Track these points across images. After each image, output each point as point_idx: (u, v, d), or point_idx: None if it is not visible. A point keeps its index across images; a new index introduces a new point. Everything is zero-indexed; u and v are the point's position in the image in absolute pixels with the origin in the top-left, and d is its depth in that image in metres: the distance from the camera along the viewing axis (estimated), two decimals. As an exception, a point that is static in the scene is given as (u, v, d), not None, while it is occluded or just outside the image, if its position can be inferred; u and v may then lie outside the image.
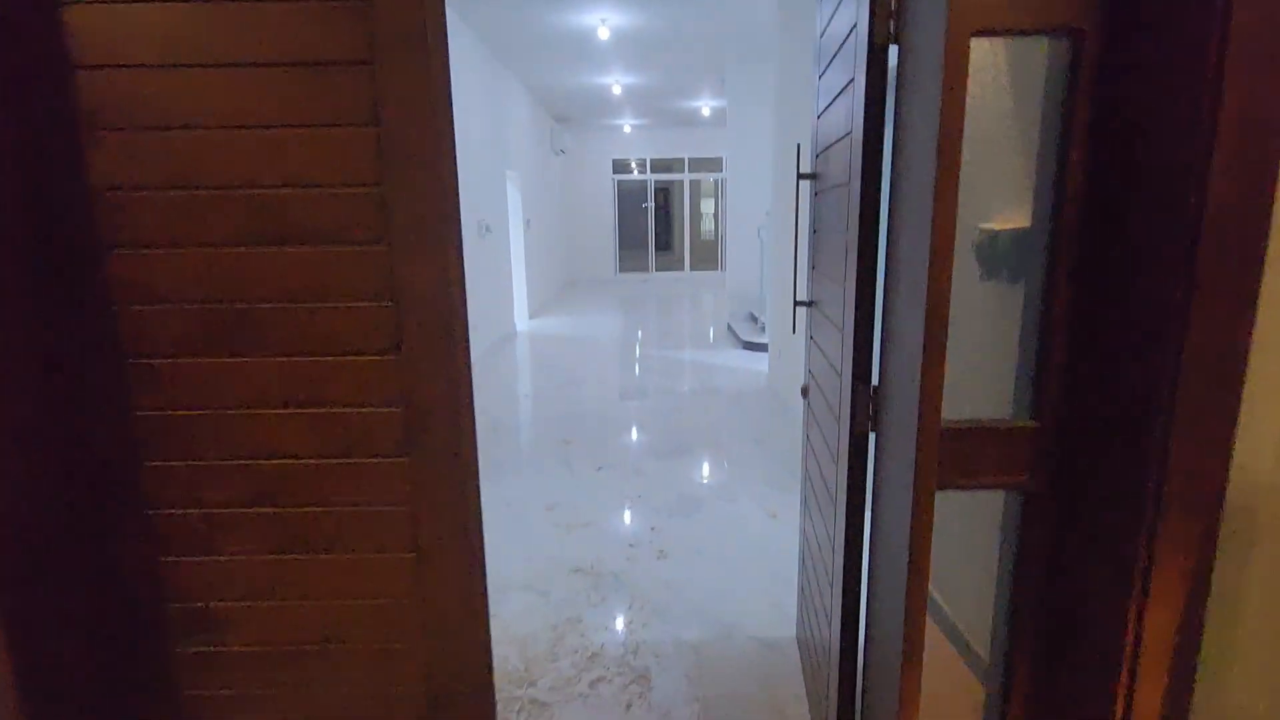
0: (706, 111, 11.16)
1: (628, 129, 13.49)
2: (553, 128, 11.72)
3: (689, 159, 13.97)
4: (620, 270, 14.62)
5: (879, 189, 1.30)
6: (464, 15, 5.98)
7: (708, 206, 17.05)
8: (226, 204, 1.20)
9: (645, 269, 14.67)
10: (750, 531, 3.05)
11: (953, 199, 1.03)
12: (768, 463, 3.85)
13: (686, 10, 5.94)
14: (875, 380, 1.37)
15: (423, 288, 1.24)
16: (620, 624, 2.36)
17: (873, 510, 1.39)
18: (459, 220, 1.31)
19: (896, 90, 1.22)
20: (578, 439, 4.30)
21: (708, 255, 15.47)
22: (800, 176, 1.93)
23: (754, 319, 7.81)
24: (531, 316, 9.27)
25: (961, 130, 1.01)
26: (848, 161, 1.41)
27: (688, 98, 10.18)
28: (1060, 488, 1.21)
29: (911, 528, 1.16)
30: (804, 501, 2.14)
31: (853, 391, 1.37)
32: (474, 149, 6.54)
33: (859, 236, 1.33)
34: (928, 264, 1.06)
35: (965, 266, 1.26)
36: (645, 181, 14.25)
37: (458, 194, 1.30)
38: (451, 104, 1.27)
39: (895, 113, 1.23)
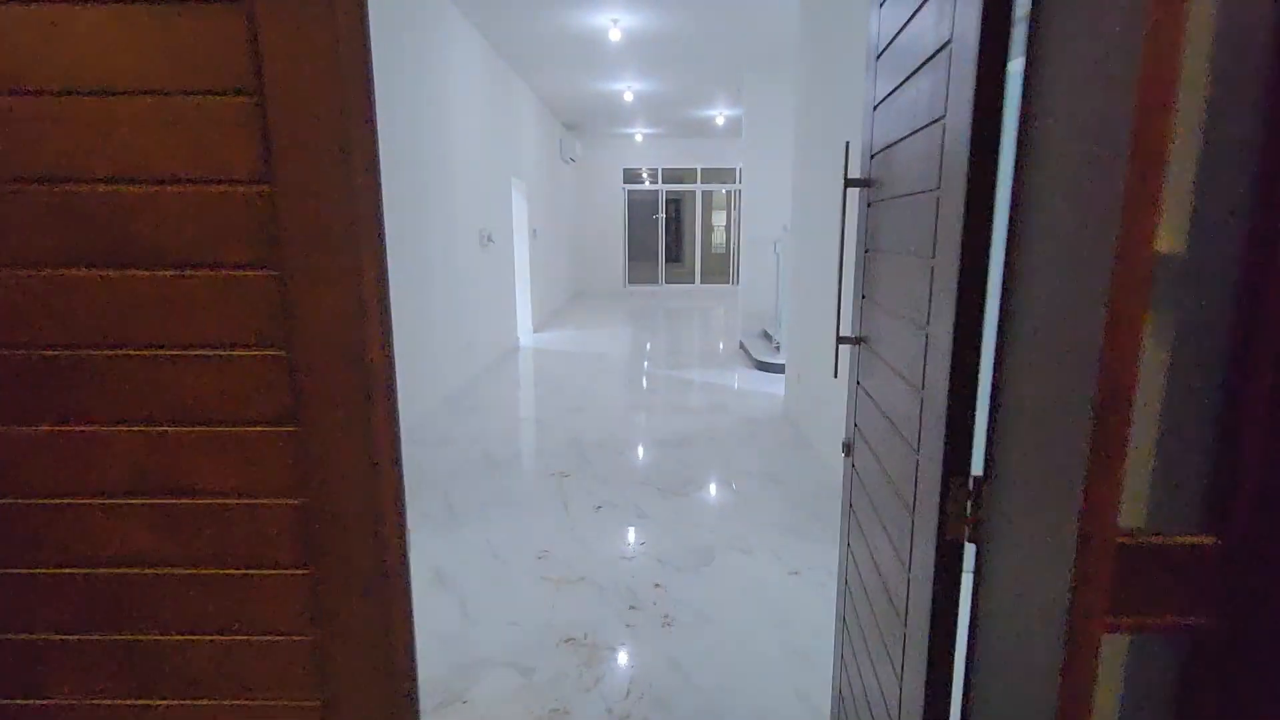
0: (721, 120, 10.82)
1: (639, 138, 13.17)
2: (562, 135, 11.41)
3: (701, 169, 13.63)
4: (630, 282, 14.26)
5: (991, 198, 0.91)
6: (467, 13, 5.65)
7: (719, 219, 16.70)
8: (39, 206, 0.82)
9: (655, 281, 14.30)
10: (769, 593, 2.64)
11: (1151, 218, 0.64)
12: (786, 507, 3.44)
13: (702, 11, 5.59)
14: (978, 468, 0.97)
15: (329, 329, 0.86)
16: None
17: (971, 652, 0.98)
18: (382, 232, 0.93)
19: (1029, 55, 0.83)
20: (577, 472, 3.90)
21: (719, 268, 15.09)
22: (849, 183, 1.54)
23: (768, 337, 7.41)
24: (536, 330, 8.90)
25: (1173, 106, 0.62)
26: (937, 159, 1.02)
27: (702, 106, 9.84)
28: (1247, 630, 0.80)
29: (1062, 693, 0.76)
30: (843, 616, 1.72)
31: (944, 485, 0.97)
32: (477, 155, 6.21)
33: (957, 264, 0.94)
34: (1104, 315, 0.66)
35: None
36: (657, 192, 13.91)
37: (379, 194, 0.92)
38: (370, 64, 0.89)
39: (1025, 89, 0.84)
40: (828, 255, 3.88)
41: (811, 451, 4.20)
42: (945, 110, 0.99)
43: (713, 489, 3.67)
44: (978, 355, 0.97)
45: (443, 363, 5.34)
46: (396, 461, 0.98)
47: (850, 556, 1.67)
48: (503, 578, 2.77)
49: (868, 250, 1.58)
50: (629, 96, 8.77)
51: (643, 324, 9.89)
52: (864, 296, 1.61)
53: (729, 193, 14.48)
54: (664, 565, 2.84)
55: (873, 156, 1.52)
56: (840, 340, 1.69)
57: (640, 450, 4.29)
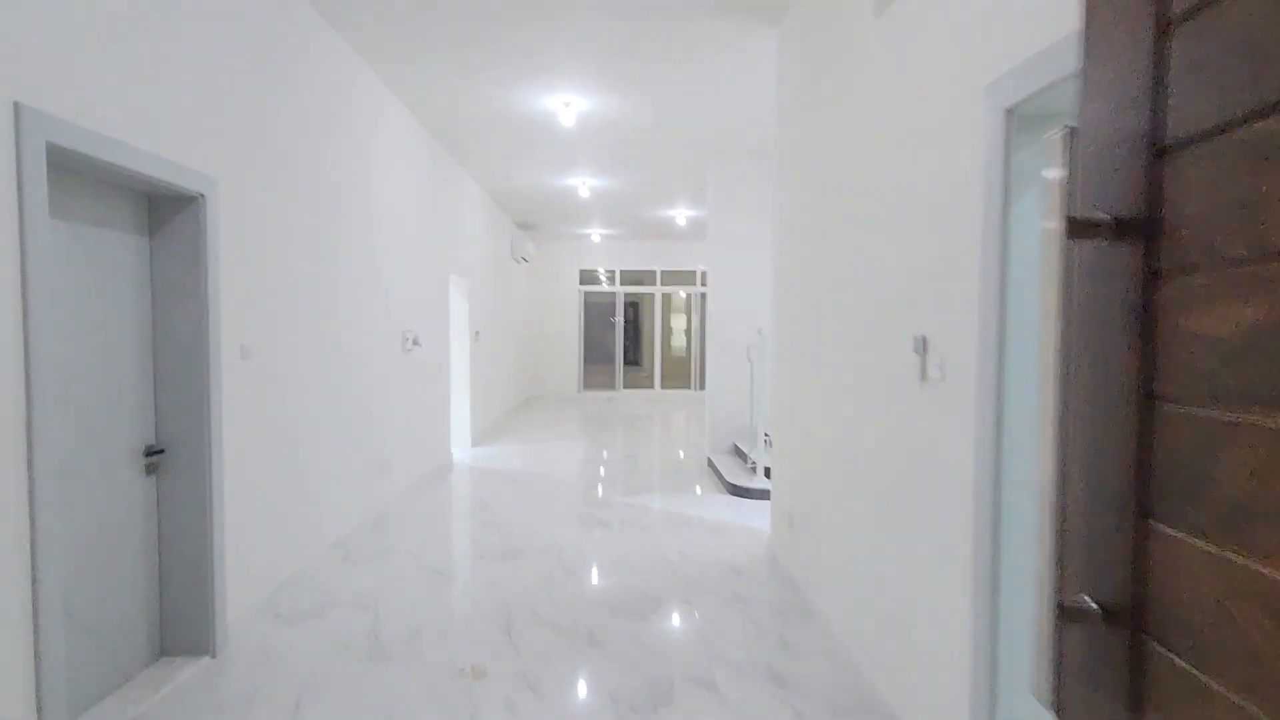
0: (682, 221, 10.39)
1: (597, 238, 12.70)
2: (514, 234, 10.80)
3: (661, 271, 13.16)
4: (585, 387, 13.35)
5: None
6: (394, 87, 4.97)
7: (679, 322, 16.19)
8: None
9: (612, 386, 13.43)
10: None
11: None
12: (798, 728, 2.38)
13: (661, 96, 5.03)
14: None
15: None
16: None
17: None
18: None
19: None
20: (498, 666, 2.78)
21: (679, 372, 14.37)
22: (1076, 230, 0.67)
23: (741, 455, 6.48)
24: (475, 444, 7.81)
25: None
26: None
27: (662, 206, 9.38)
28: None
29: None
30: None
31: None
32: (406, 247, 5.36)
33: None
34: None
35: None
36: (614, 293, 13.32)
37: None
38: None
39: None
40: (836, 361, 3.03)
41: (817, 624, 3.17)
42: None
43: (691, 700, 2.58)
44: None
45: (341, 494, 4.21)
46: None
47: None
48: None
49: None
50: (585, 192, 8.22)
51: (598, 435, 8.88)
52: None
53: (689, 296, 14.00)
54: None
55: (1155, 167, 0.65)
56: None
57: (588, 625, 3.19)
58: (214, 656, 2.83)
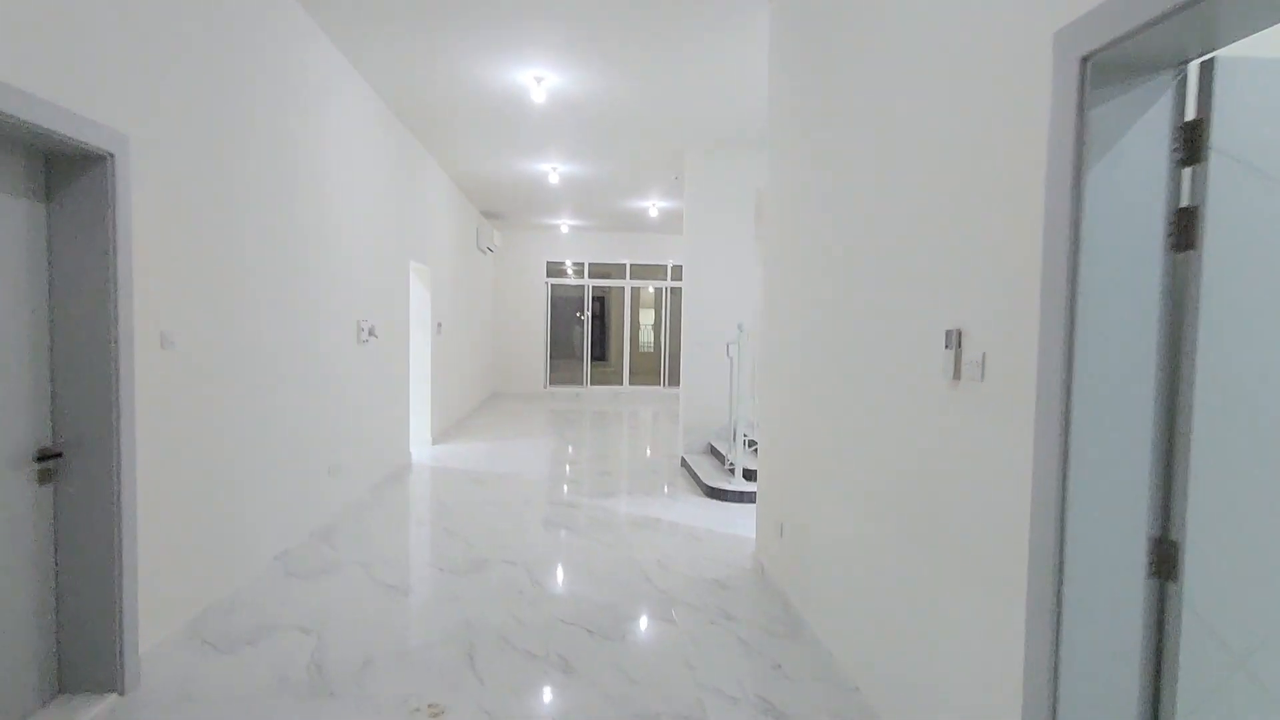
0: (654, 213, 10.08)
1: (565, 229, 12.31)
2: (480, 224, 10.35)
3: (630, 264, 12.83)
4: (552, 383, 12.96)
5: None
6: (353, 59, 4.54)
7: (647, 317, 15.90)
8: None
9: (579, 382, 13.07)
10: None
11: None
12: (805, 773, 2.10)
13: (639, 71, 4.71)
14: None
15: None
16: None
17: None
18: None
19: None
20: (458, 704, 2.43)
21: (648, 368, 14.08)
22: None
23: (718, 455, 6.21)
24: (436, 441, 7.38)
25: None
26: None
27: (634, 196, 9.06)
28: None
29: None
30: None
31: None
32: (362, 231, 4.93)
33: None
34: None
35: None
36: (582, 286, 12.95)
37: None
38: None
39: None
40: (843, 358, 2.76)
41: (811, 645, 2.90)
42: None
43: (679, 735, 2.27)
44: None
45: (284, 501, 3.79)
46: None
47: None
48: None
49: None
50: (555, 179, 7.84)
51: (566, 432, 8.53)
52: None
53: (658, 290, 13.71)
54: None
55: None
56: None
57: (561, 649, 2.86)
58: (123, 694, 2.42)
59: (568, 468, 6.54)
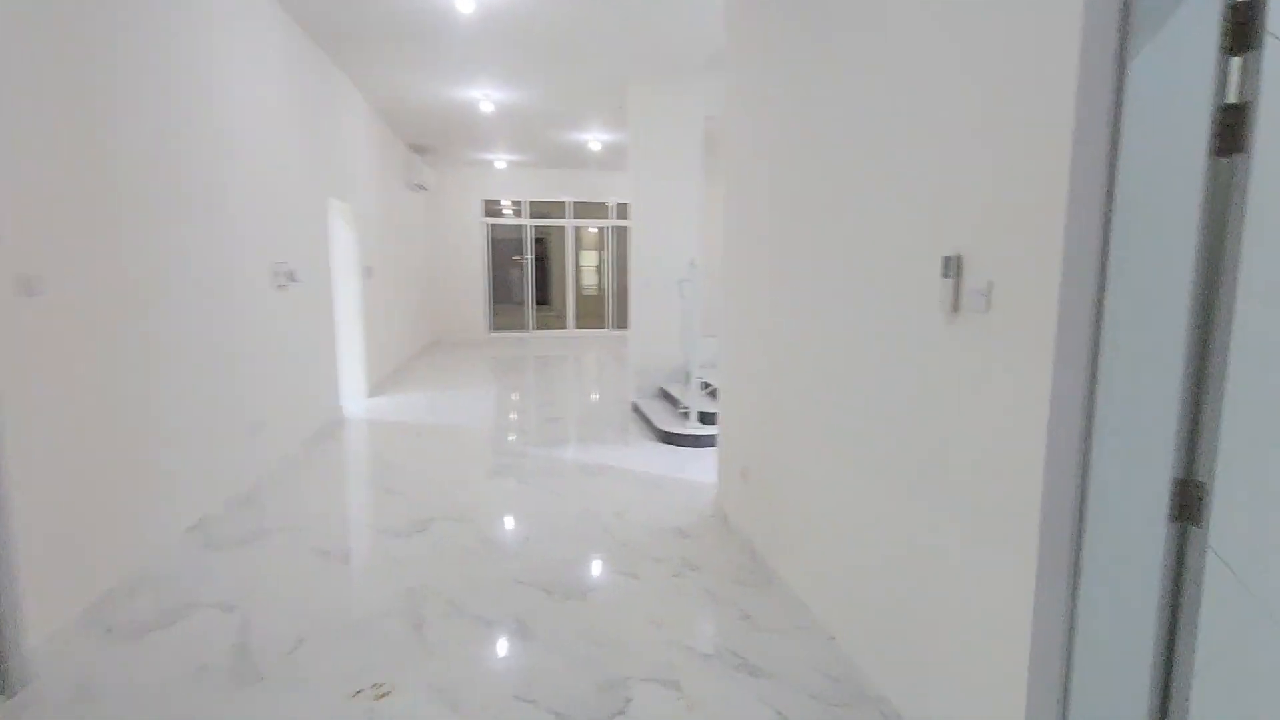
0: (596, 146, 9.58)
1: (502, 165, 11.65)
2: (409, 159, 9.62)
3: (572, 203, 12.32)
4: (494, 329, 12.51)
5: None
6: (247, -48, 3.90)
7: (591, 258, 15.45)
8: None
9: (522, 327, 12.66)
10: None
11: None
12: (785, 733, 1.99)
13: (587, -21, 4.25)
14: None
15: None
16: None
17: None
18: None
19: None
20: (405, 681, 2.21)
21: (593, 311, 13.76)
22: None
23: (670, 399, 6.04)
24: (372, 393, 6.96)
25: None
26: None
27: (574, 128, 8.54)
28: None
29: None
30: None
31: None
32: (273, 163, 4.38)
33: None
34: None
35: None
36: (522, 227, 12.38)
37: None
38: None
39: None
40: (817, 289, 2.55)
41: (780, 592, 2.79)
42: None
43: (653, 706, 2.12)
44: None
45: (199, 464, 3.40)
46: None
47: None
48: None
49: None
50: (488, 107, 7.26)
51: (510, 379, 8.21)
52: None
53: (601, 230, 13.27)
54: None
55: None
56: None
57: (518, 611, 2.66)
58: (9, 696, 2.10)
59: (515, 416, 6.27)
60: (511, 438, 5.42)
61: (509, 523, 3.61)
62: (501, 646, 2.42)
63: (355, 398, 6.67)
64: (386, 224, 8.14)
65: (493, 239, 12.39)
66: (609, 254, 13.33)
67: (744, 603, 2.74)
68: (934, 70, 1.76)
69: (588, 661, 2.32)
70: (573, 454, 4.93)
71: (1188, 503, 1.36)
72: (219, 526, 3.46)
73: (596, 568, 3.06)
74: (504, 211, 12.41)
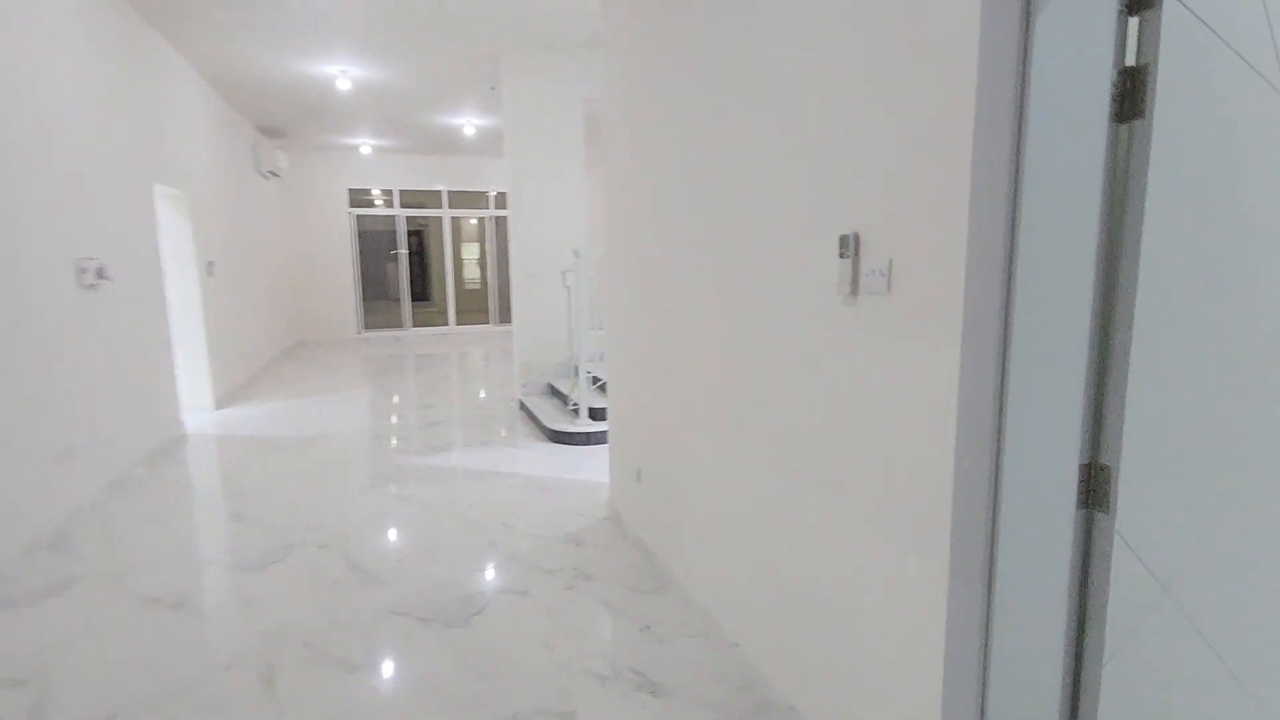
0: (470, 131, 9.08)
1: (367, 150, 10.83)
2: (257, 142, 8.69)
3: (449, 192, 11.68)
4: (366, 327, 11.66)
5: None
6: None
7: (472, 250, 14.79)
8: None
9: (398, 325, 11.90)
10: None
11: None
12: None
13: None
14: None
15: None
16: None
17: None
18: None
19: None
20: (250, 751, 1.85)
21: (476, 306, 13.17)
22: None
23: (559, 395, 5.79)
24: (220, 405, 6.19)
25: None
26: None
27: (447, 111, 8.02)
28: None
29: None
30: None
31: None
32: (74, 143, 3.68)
33: None
34: None
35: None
36: (394, 218, 11.60)
37: None
38: None
39: None
40: (709, 274, 2.40)
41: (683, 599, 2.64)
42: None
43: (543, 739, 1.89)
44: None
45: (-24, 509, 2.77)
46: None
47: None
48: None
49: None
50: (345, 84, 6.62)
51: (387, 381, 7.62)
52: None
53: (482, 221, 12.71)
54: None
55: None
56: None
57: (389, 647, 2.34)
58: None
59: (392, 420, 5.78)
60: (388, 446, 4.96)
61: (382, 544, 3.23)
62: (369, 694, 2.10)
63: (200, 411, 5.90)
64: (231, 214, 7.28)
65: (361, 231, 11.53)
66: (491, 245, 12.79)
67: (642, 612, 2.57)
68: (826, 32, 1.63)
69: (470, 702, 2.06)
70: (455, 460, 4.57)
71: (1095, 488, 1.31)
72: (14, 577, 2.84)
73: (481, 587, 2.78)
74: (375, 202, 11.57)
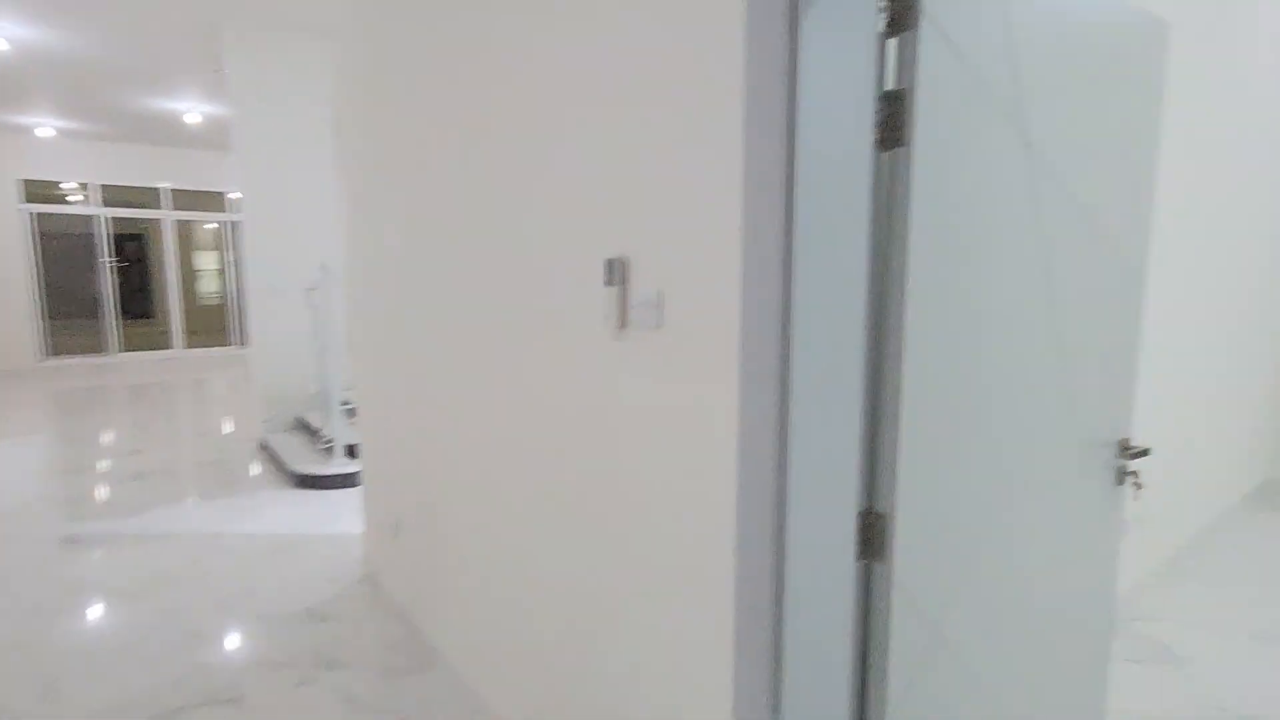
0: (195, 119, 7.67)
1: (48, 132, 8.70)
2: None
3: (171, 190, 9.84)
4: (52, 353, 9.35)
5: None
6: None
7: (207, 260, 12.64)
8: None
9: (101, 349, 9.72)
10: None
11: None
12: None
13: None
14: None
15: None
16: None
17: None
18: None
19: None
20: None
21: (213, 325, 11.27)
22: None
23: (310, 430, 5.00)
24: None
25: None
26: None
27: (162, 93, 6.67)
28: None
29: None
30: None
31: None
32: None
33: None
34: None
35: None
36: (96, 219, 9.47)
37: None
38: None
39: None
40: (467, 304, 2.06)
41: (450, 680, 2.25)
42: None
43: None
44: None
45: None
46: None
47: None
48: None
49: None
50: (1, 45, 5.14)
51: (80, 422, 6.05)
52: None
53: (221, 226, 10.91)
54: None
55: None
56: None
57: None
58: None
59: (82, 477, 4.53)
60: (71, 512, 3.84)
61: (72, 641, 2.39)
62: None
63: None
64: None
65: (47, 233, 9.23)
66: (234, 255, 11.03)
67: (398, 703, 2.14)
68: (589, 34, 1.42)
69: None
70: (177, 520, 3.66)
71: (870, 537, 1.23)
72: None
73: (195, 692, 2.14)
74: (67, 198, 9.35)
